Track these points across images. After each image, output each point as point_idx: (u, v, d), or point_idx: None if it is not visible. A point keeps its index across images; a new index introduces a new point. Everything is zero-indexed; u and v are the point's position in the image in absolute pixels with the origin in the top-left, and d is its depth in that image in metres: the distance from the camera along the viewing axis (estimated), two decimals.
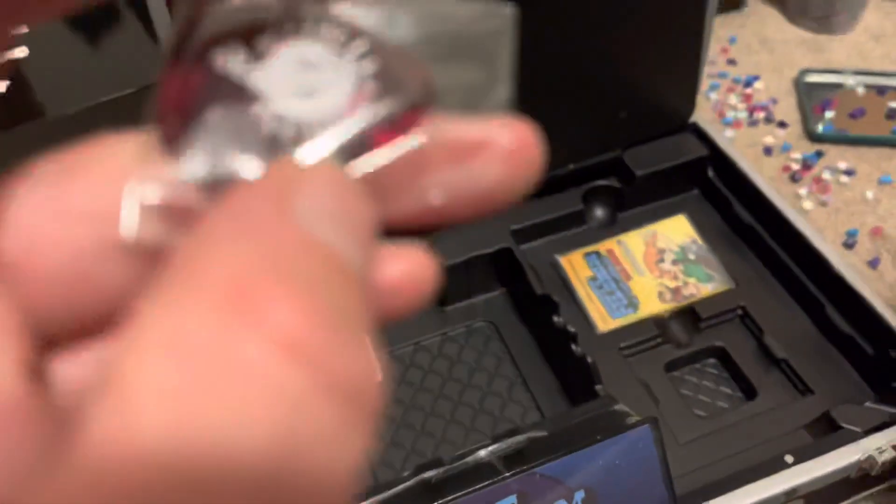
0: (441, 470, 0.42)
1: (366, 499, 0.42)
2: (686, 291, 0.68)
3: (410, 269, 0.14)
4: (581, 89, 0.68)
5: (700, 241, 0.71)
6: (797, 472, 0.52)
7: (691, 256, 0.70)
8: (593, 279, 0.68)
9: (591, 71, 0.67)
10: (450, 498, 0.39)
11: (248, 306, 0.10)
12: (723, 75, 0.95)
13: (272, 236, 0.11)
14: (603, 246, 0.70)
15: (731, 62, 0.96)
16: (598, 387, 0.60)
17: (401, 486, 0.41)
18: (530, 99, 0.65)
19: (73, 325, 0.12)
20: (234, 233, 0.11)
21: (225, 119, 0.13)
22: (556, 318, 0.64)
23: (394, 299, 0.14)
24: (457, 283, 0.69)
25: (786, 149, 0.86)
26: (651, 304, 0.67)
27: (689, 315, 0.66)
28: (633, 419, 0.44)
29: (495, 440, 0.44)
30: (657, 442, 0.43)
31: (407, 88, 0.13)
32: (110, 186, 0.12)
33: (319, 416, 0.10)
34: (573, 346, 0.62)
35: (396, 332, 0.69)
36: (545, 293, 0.65)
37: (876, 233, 0.78)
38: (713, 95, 0.92)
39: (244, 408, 0.10)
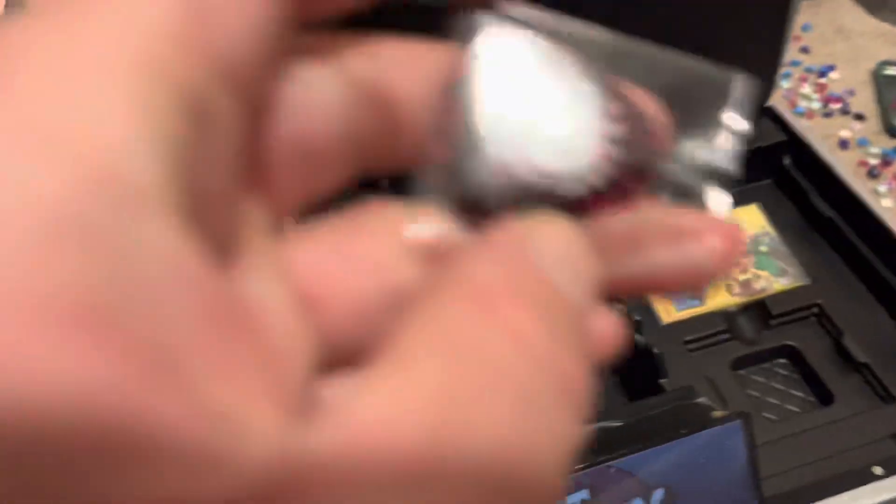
0: None
1: None
2: (757, 285, 0.63)
3: (607, 330, 0.15)
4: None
5: (773, 233, 0.66)
6: (890, 485, 0.47)
7: (763, 249, 0.65)
8: None
9: (665, 38, 0.62)
10: None
11: (493, 311, 0.12)
12: (795, 63, 0.89)
13: (515, 268, 0.13)
14: None
15: (805, 50, 0.91)
16: (660, 380, 0.55)
17: None
18: None
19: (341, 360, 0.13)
20: (487, 262, 0.13)
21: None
22: (617, 306, 0.59)
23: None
24: None
25: (862, 143, 0.80)
26: (718, 296, 0.62)
27: (759, 310, 0.61)
28: (719, 413, 0.40)
29: None
30: (748, 441, 0.38)
31: (649, 149, 0.14)
32: (389, 240, 0.14)
33: (549, 412, 0.12)
34: (636, 336, 0.57)
35: None
36: None
37: None
38: (785, 83, 0.87)
39: (493, 408, 0.11)
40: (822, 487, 0.50)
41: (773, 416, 0.58)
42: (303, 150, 0.14)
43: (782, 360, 0.61)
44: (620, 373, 0.60)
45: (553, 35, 0.14)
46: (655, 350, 0.55)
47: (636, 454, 0.37)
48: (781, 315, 0.61)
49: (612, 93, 0.14)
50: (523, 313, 0.12)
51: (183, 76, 0.11)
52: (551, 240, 0.13)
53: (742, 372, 0.60)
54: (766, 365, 0.60)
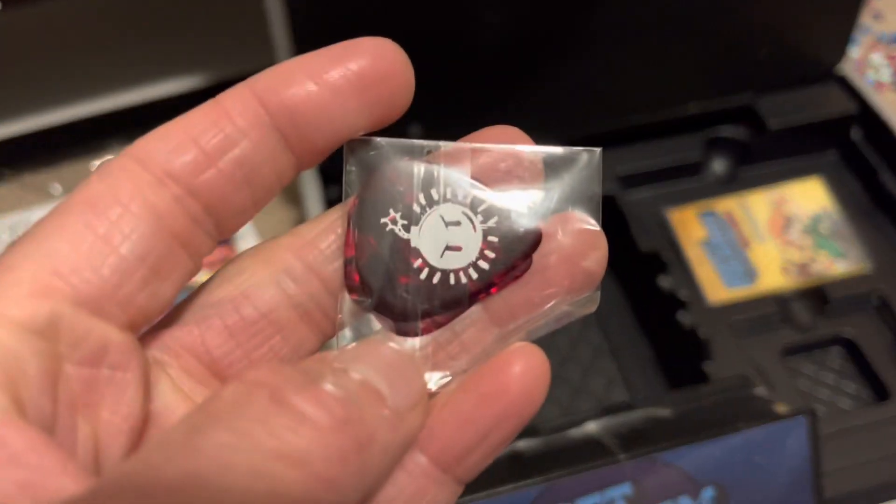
0: (536, 441, 0.34)
1: None
2: (814, 268, 0.57)
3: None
4: (717, 15, 0.58)
5: (836, 213, 0.60)
6: None
7: (824, 229, 0.59)
8: (707, 241, 0.59)
9: (739, 3, 0.56)
10: (547, 477, 0.31)
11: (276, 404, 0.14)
12: (865, 30, 0.82)
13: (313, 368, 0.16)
14: (721, 204, 0.61)
15: (877, 16, 0.84)
16: (704, 365, 0.51)
17: None
18: (658, 21, 0.53)
19: None
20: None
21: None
22: (661, 280, 0.54)
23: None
24: None
25: None
26: (771, 277, 0.57)
27: (815, 296, 0.56)
28: (782, 408, 0.35)
29: (606, 413, 0.35)
30: (813, 440, 0.34)
31: (519, 242, 0.18)
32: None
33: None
34: (679, 316, 0.53)
35: None
36: (651, 250, 0.56)
37: None
38: (852, 52, 0.80)
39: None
40: (876, 493, 0.45)
41: (823, 410, 0.53)
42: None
43: (835, 351, 0.56)
44: (657, 353, 0.56)
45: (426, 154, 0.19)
46: (701, 333, 0.51)
47: (686, 447, 0.33)
48: (839, 302, 0.56)
49: (484, 204, 0.19)
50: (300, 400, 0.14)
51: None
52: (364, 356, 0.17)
53: (792, 360, 0.55)
54: (818, 354, 0.56)
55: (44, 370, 0.14)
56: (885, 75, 0.78)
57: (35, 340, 0.14)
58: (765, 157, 0.63)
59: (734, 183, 0.62)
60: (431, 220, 0.18)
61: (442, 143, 0.19)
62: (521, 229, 0.18)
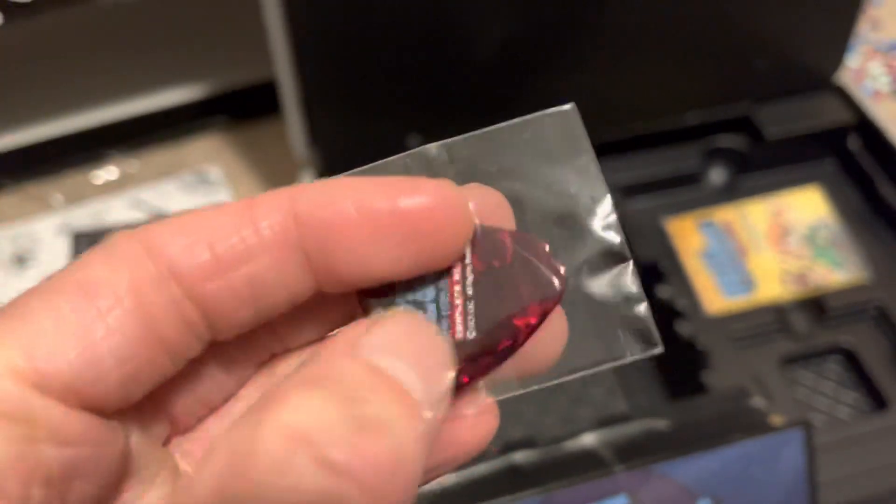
0: (534, 453, 0.34)
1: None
2: (812, 278, 0.58)
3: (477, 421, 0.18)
4: (714, 25, 0.58)
5: (834, 222, 0.60)
6: None
7: (822, 238, 0.60)
8: (705, 251, 0.59)
9: (728, 6, 0.56)
10: (545, 488, 0.31)
11: (274, 409, 0.14)
12: (863, 39, 0.83)
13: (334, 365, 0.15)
14: (719, 214, 0.61)
15: (875, 25, 0.84)
16: (702, 375, 0.51)
17: (482, 467, 0.33)
18: (655, 32, 0.54)
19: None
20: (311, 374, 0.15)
21: None
22: (659, 290, 0.54)
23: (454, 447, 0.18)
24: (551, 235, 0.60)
25: None
26: (770, 286, 0.57)
27: (814, 306, 0.57)
28: (778, 419, 0.35)
29: (603, 425, 0.36)
30: (808, 452, 0.34)
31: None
32: None
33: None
34: (677, 326, 0.53)
35: None
36: (650, 259, 0.56)
37: None
38: (850, 61, 0.81)
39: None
40: (875, 502, 0.46)
41: (821, 420, 0.53)
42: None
43: (835, 361, 0.56)
44: (656, 363, 0.56)
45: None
46: (697, 343, 0.51)
47: (682, 458, 0.33)
48: (837, 312, 0.56)
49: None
50: (305, 405, 0.14)
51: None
52: (383, 329, 0.16)
53: (790, 370, 0.55)
54: (816, 364, 0.56)
55: (13, 454, 0.14)
56: (882, 84, 0.79)
57: (4, 423, 0.14)
58: (763, 166, 0.63)
59: (732, 192, 0.62)
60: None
61: None
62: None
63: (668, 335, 0.53)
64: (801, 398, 0.54)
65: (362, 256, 0.16)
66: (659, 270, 0.55)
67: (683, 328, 0.53)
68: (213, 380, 0.18)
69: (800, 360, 0.56)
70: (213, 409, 0.18)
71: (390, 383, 0.15)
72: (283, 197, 0.16)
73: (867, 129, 0.62)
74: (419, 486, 0.15)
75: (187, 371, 0.17)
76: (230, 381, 0.18)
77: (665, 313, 0.54)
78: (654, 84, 0.59)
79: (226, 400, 0.18)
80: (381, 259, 0.16)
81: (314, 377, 0.15)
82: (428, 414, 0.15)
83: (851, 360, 0.55)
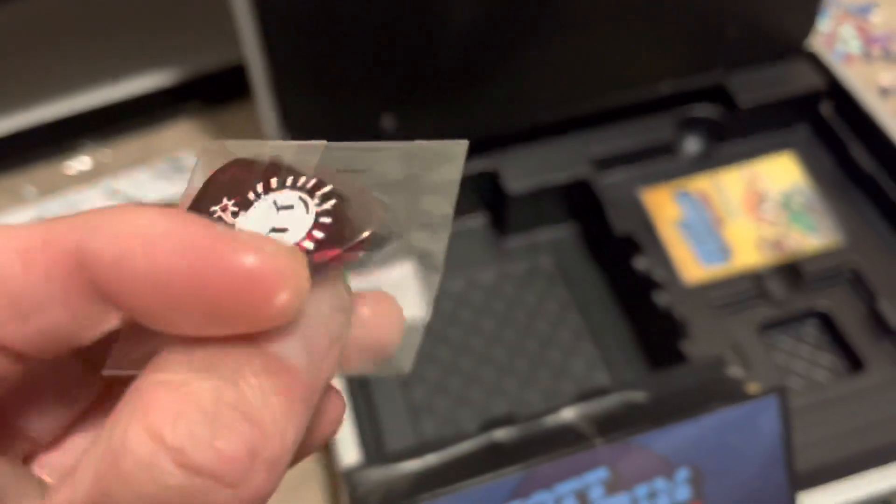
0: (514, 430, 0.34)
1: (419, 456, 0.34)
2: (788, 244, 0.58)
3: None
4: None
5: (808, 187, 0.61)
6: None
7: (797, 204, 0.60)
8: (681, 221, 0.59)
9: None
10: (526, 465, 0.32)
11: (140, 411, 0.14)
12: (834, 2, 0.83)
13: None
14: (695, 184, 0.61)
15: None
16: (682, 345, 0.51)
17: (464, 446, 0.34)
18: (626, 1, 0.54)
19: None
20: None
21: None
22: (637, 262, 0.55)
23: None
24: (521, 213, 0.60)
25: None
26: (746, 254, 0.58)
27: (790, 271, 0.57)
28: (754, 387, 0.36)
29: (581, 399, 0.36)
30: (784, 418, 0.34)
31: (354, 227, 0.17)
32: None
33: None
34: (655, 297, 0.53)
35: (447, 264, 0.61)
36: (626, 232, 0.56)
37: None
38: (822, 25, 0.81)
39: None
40: (852, 463, 0.46)
41: (799, 383, 0.54)
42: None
43: (811, 325, 0.57)
44: (636, 335, 0.57)
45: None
46: (675, 313, 0.51)
47: (660, 430, 0.33)
48: (813, 277, 0.57)
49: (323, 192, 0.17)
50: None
51: None
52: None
53: (769, 336, 0.56)
54: (794, 329, 0.57)
55: None
56: (854, 47, 0.79)
57: None
58: (737, 134, 0.63)
59: (707, 162, 0.63)
60: (263, 205, 0.17)
61: (297, 143, 0.18)
62: (360, 211, 0.17)
63: (648, 306, 0.54)
64: (779, 363, 0.55)
65: (159, 317, 0.14)
66: (635, 242, 0.55)
67: (661, 299, 0.53)
68: (64, 392, 0.17)
69: (777, 325, 0.56)
70: (76, 418, 0.17)
71: (266, 359, 0.14)
72: (73, 235, 0.14)
73: (839, 94, 0.62)
74: (288, 467, 0.14)
75: (30, 388, 0.16)
76: (85, 391, 0.17)
77: (643, 285, 0.54)
78: (627, 55, 0.59)
79: (91, 403, 0.18)
80: (183, 325, 0.14)
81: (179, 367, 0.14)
82: (306, 391, 0.14)
83: (828, 324, 0.56)
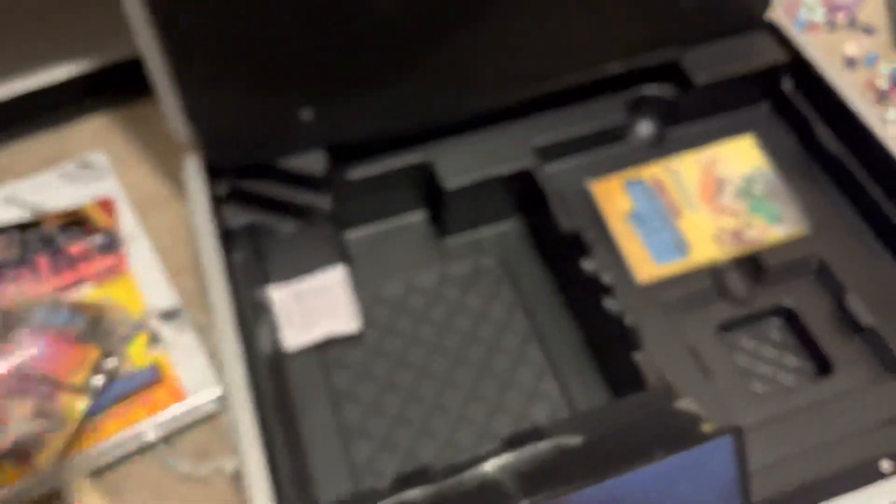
0: (428, 490, 0.29)
1: None
2: (749, 234, 0.54)
3: None
4: None
5: (770, 171, 0.56)
6: None
7: (758, 190, 0.55)
8: (634, 213, 0.54)
9: None
10: None
11: None
12: None
13: None
14: (648, 171, 0.56)
15: None
16: (635, 353, 0.47)
17: None
18: None
19: None
20: None
21: None
22: (584, 263, 0.50)
23: None
24: (461, 210, 0.55)
25: (871, 61, 0.70)
26: (705, 248, 0.53)
27: (752, 265, 0.53)
28: (705, 426, 0.31)
29: (508, 447, 0.31)
30: (739, 460, 0.30)
31: None
32: None
33: None
34: (605, 302, 0.49)
35: (383, 266, 0.56)
36: (572, 229, 0.51)
37: None
38: None
39: None
40: (817, 489, 0.42)
41: (763, 389, 0.50)
42: None
43: (776, 323, 0.52)
44: (588, 341, 0.52)
45: None
46: (627, 320, 0.47)
47: (599, 485, 0.28)
48: (777, 270, 0.52)
49: None
50: None
51: None
52: None
53: (730, 336, 0.52)
54: (757, 327, 0.52)
55: None
56: (818, 15, 0.74)
57: None
58: (693, 116, 0.58)
59: (661, 147, 0.58)
60: None
61: None
62: None
63: (597, 311, 0.49)
64: (741, 364, 0.51)
65: None
66: (582, 241, 0.50)
67: (612, 304, 0.48)
68: None
69: (739, 324, 0.52)
70: None
71: None
72: None
73: (801, 67, 0.57)
74: None
75: None
76: None
77: (592, 288, 0.49)
78: (570, 33, 0.54)
79: None
80: None
81: None
82: None
83: (793, 322, 0.52)
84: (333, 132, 0.53)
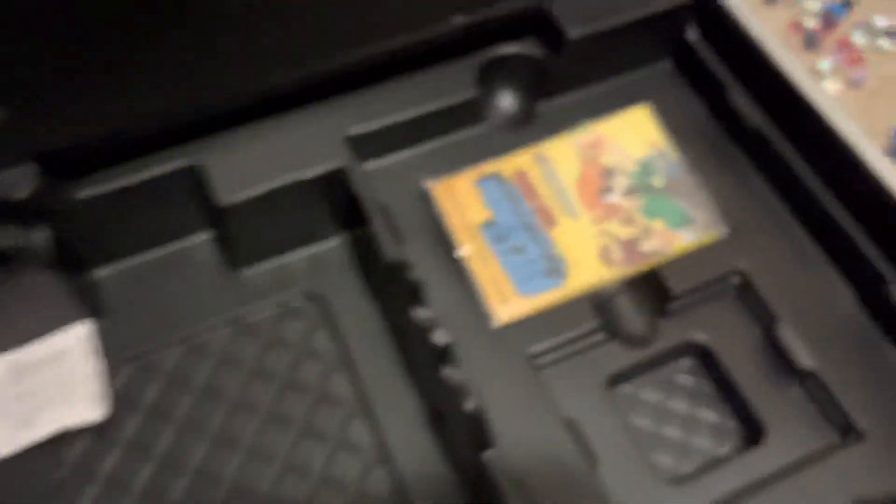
0: None
1: None
2: (647, 245, 0.39)
3: None
4: None
5: (673, 154, 0.42)
6: None
7: (657, 181, 0.41)
8: (490, 224, 0.39)
9: None
10: None
11: None
12: None
13: None
14: (509, 164, 0.41)
15: None
16: (486, 454, 0.32)
17: None
18: None
19: None
20: None
21: None
22: (417, 312, 0.35)
23: None
24: (254, 232, 0.39)
25: None
26: (587, 268, 0.39)
27: (652, 288, 0.39)
28: None
29: None
30: None
31: None
32: None
33: None
34: (444, 371, 0.34)
35: (150, 317, 0.40)
36: (397, 259, 0.36)
37: None
38: None
39: None
40: None
41: (672, 472, 0.36)
42: None
43: (687, 365, 0.39)
44: (430, 411, 0.37)
45: None
46: (480, 377, 0.32)
47: None
48: (685, 293, 0.38)
49: None
50: None
51: None
52: None
53: (624, 390, 0.38)
54: (661, 375, 0.38)
55: None
56: None
57: None
58: (567, 84, 0.44)
59: (527, 128, 0.43)
60: None
61: None
62: None
63: (436, 382, 0.34)
64: (641, 431, 0.37)
65: None
66: (411, 281, 0.35)
67: (455, 372, 0.33)
68: None
69: (637, 372, 0.38)
70: None
71: None
72: None
73: (708, 10, 0.43)
74: None
75: None
76: None
77: (428, 349, 0.34)
78: None
79: None
80: None
81: None
82: None
83: (708, 364, 0.38)
84: (44, 136, 0.36)
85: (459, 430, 0.34)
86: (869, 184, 0.37)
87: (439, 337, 0.33)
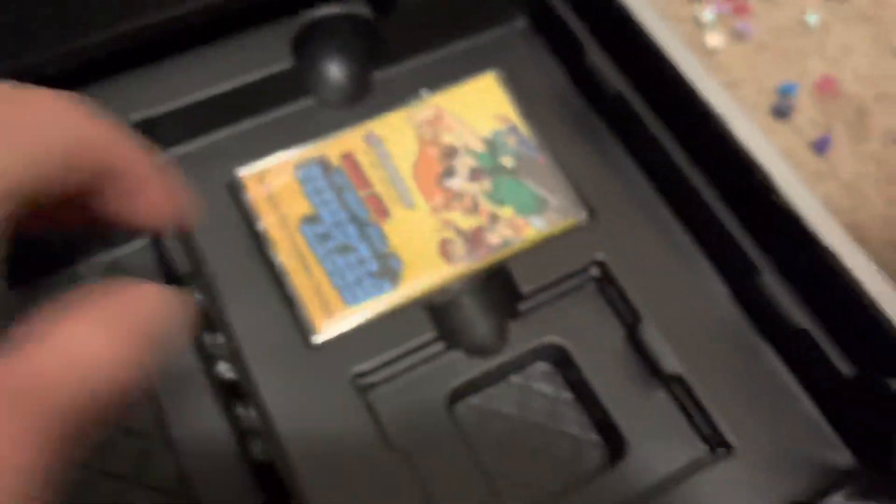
0: None
1: None
2: (494, 237, 0.34)
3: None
4: None
5: (523, 128, 0.37)
6: None
7: (507, 161, 0.36)
8: (311, 219, 0.34)
9: None
10: None
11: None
12: None
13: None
14: (334, 146, 0.35)
15: None
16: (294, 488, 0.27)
17: None
18: None
19: None
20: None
21: None
22: (206, 336, 0.29)
23: None
24: None
25: None
26: (425, 266, 0.33)
27: (499, 285, 0.34)
28: None
29: None
30: None
31: None
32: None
33: None
34: (238, 409, 0.28)
35: None
36: (187, 268, 0.30)
37: (824, 87, 0.46)
38: None
39: None
40: None
41: (518, 499, 0.31)
42: None
43: (540, 372, 0.34)
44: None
45: None
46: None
47: None
48: (537, 290, 0.33)
49: None
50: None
51: None
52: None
53: (468, 406, 0.33)
54: (513, 385, 0.34)
55: None
56: None
57: None
58: (401, 50, 0.38)
59: (355, 105, 0.37)
60: None
61: None
62: None
63: (232, 414, 0.29)
64: (491, 454, 0.32)
65: None
66: (206, 287, 0.29)
67: (247, 414, 0.28)
68: None
69: (479, 385, 0.33)
70: None
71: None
72: None
73: None
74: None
75: None
76: None
77: (222, 384, 0.29)
78: None
79: None
80: None
81: None
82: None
83: (566, 368, 0.34)
84: None
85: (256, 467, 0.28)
86: (740, 161, 0.32)
87: (225, 371, 0.27)
